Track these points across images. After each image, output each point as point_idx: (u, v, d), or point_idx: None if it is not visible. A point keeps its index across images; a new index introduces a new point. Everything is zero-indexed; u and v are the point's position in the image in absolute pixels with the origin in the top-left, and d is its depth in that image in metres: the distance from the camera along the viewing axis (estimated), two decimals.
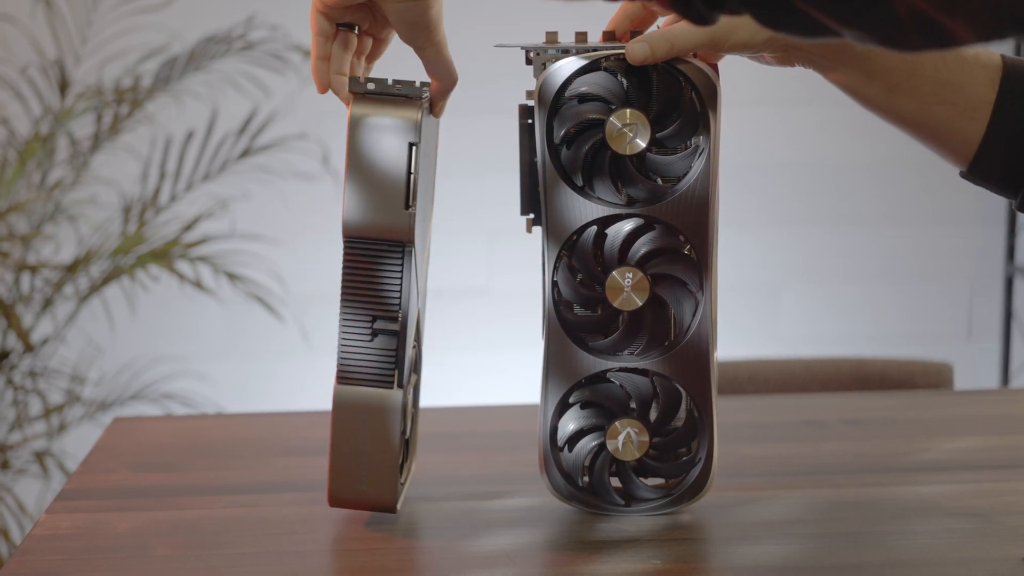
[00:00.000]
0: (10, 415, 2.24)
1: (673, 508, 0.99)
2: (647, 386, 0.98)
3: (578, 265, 0.99)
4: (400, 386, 0.95)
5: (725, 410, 1.37)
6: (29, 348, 2.10)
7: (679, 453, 1.00)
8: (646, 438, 0.97)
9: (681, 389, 0.97)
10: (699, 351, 0.97)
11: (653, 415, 0.98)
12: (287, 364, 2.72)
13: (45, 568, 0.91)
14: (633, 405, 0.98)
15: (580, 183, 0.97)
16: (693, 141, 0.95)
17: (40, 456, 2.18)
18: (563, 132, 0.95)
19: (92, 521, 1.00)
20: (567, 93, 0.95)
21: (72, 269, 2.18)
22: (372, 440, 0.95)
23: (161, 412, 2.44)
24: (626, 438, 0.97)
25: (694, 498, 0.99)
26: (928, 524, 0.98)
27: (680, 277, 0.96)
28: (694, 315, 0.96)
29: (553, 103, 0.95)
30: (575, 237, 0.98)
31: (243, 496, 1.07)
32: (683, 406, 0.98)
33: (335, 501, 0.97)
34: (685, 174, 0.95)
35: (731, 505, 1.02)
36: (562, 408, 1.00)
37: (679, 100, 0.94)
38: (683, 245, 0.96)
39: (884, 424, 1.31)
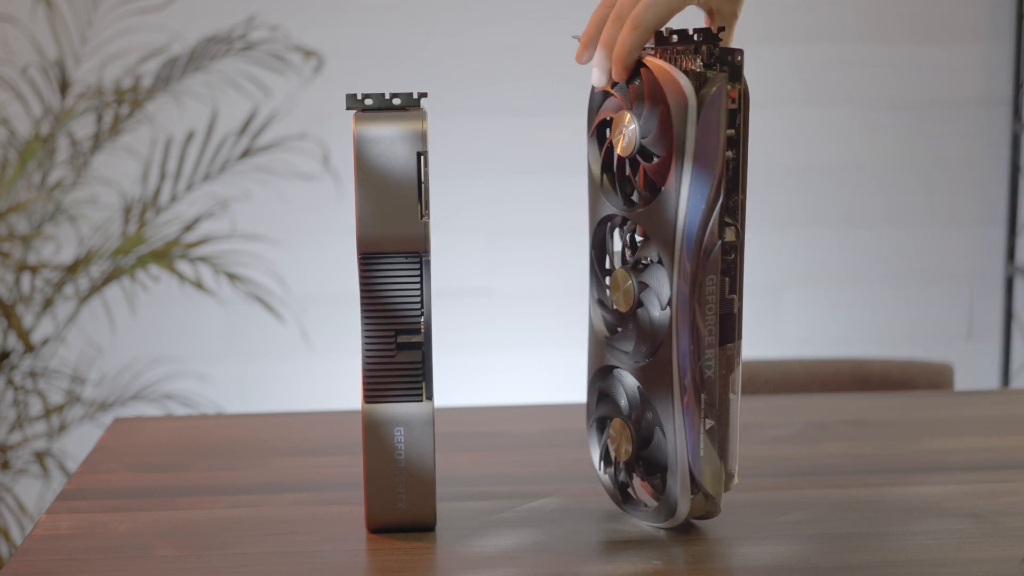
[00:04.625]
0: (10, 415, 2.24)
1: (654, 523, 0.97)
2: (634, 391, 0.97)
3: (595, 259, 0.99)
4: (429, 398, 0.95)
5: None
6: (29, 348, 2.10)
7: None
8: (629, 444, 0.96)
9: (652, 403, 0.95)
10: (664, 369, 0.93)
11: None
12: (287, 364, 2.72)
13: (45, 568, 0.91)
14: (627, 407, 0.97)
15: (600, 180, 0.97)
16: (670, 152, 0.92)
17: (40, 456, 2.18)
18: (591, 128, 0.96)
19: (92, 521, 1.00)
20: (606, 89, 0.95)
21: (72, 269, 2.18)
22: (407, 456, 0.95)
23: (161, 412, 2.44)
24: (616, 438, 0.97)
25: (667, 520, 0.96)
26: (928, 524, 0.98)
27: (653, 288, 0.94)
28: (668, 329, 0.93)
29: (590, 99, 0.96)
30: (594, 231, 0.98)
31: (243, 496, 1.07)
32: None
33: (374, 524, 0.96)
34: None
35: (730, 505, 1.02)
36: (593, 395, 1.00)
37: (654, 111, 0.92)
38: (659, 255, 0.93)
39: (884, 425, 1.31)
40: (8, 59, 2.52)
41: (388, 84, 2.63)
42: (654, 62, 0.91)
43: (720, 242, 0.92)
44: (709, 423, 0.93)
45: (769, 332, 2.84)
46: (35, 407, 2.40)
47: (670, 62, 0.92)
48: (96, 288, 2.20)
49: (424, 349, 0.94)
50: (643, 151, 0.93)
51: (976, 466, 1.15)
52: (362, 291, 0.94)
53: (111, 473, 1.14)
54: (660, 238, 0.92)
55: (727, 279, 0.95)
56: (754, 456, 1.17)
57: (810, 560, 0.91)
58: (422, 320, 0.94)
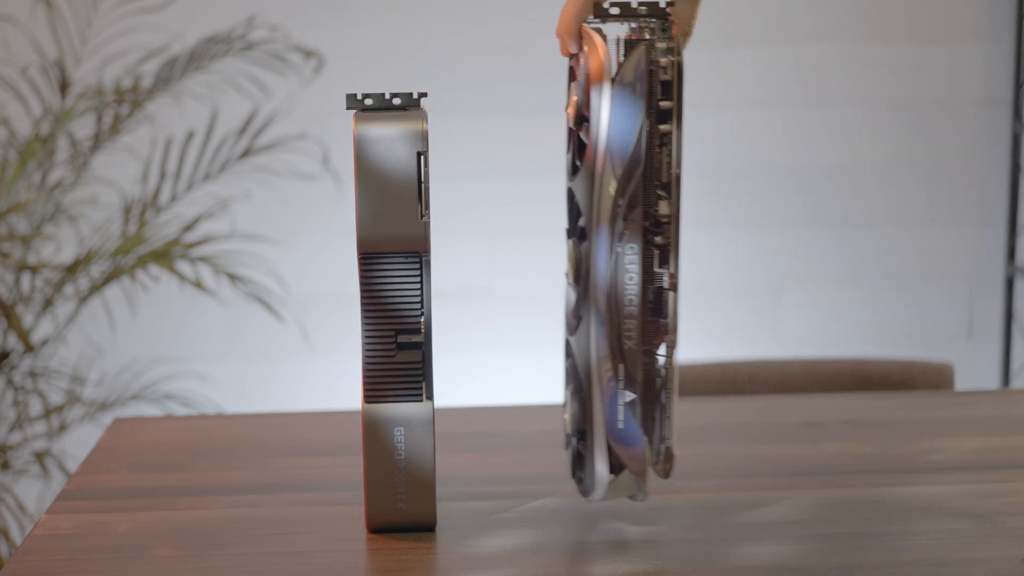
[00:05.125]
0: (10, 415, 2.24)
1: (588, 498, 0.98)
2: (574, 362, 0.98)
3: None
4: (429, 398, 0.95)
5: (726, 410, 1.37)
6: (29, 348, 2.10)
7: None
8: (568, 414, 0.98)
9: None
10: (585, 337, 0.94)
11: None
12: (287, 364, 2.72)
13: (45, 568, 0.91)
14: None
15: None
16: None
17: (40, 456, 2.18)
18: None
19: (92, 521, 1.00)
20: None
21: (72, 269, 2.18)
22: (407, 456, 0.95)
23: (161, 412, 2.44)
24: (567, 408, 0.98)
25: (592, 494, 0.97)
26: (928, 524, 0.98)
27: (583, 257, 0.94)
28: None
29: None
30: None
31: (243, 496, 1.07)
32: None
33: (375, 524, 0.96)
34: None
35: (731, 505, 1.02)
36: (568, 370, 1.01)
37: (584, 79, 0.93)
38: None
39: (884, 425, 1.31)
40: (8, 59, 2.52)
41: (388, 84, 2.63)
42: (587, 31, 0.93)
43: (642, 211, 0.92)
44: (629, 395, 0.93)
45: (769, 332, 2.84)
46: (35, 407, 2.40)
47: (633, 34, 0.92)
48: (96, 288, 2.20)
49: (424, 349, 0.95)
50: (583, 120, 0.94)
51: (976, 466, 1.14)
52: (362, 291, 0.94)
53: (111, 473, 1.14)
54: (584, 205, 0.93)
55: (657, 251, 0.94)
56: (754, 456, 1.17)
57: (810, 560, 0.91)
58: (422, 320, 0.94)
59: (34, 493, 2.49)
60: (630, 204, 0.91)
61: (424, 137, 0.93)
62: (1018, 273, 2.86)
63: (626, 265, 0.92)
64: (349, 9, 2.66)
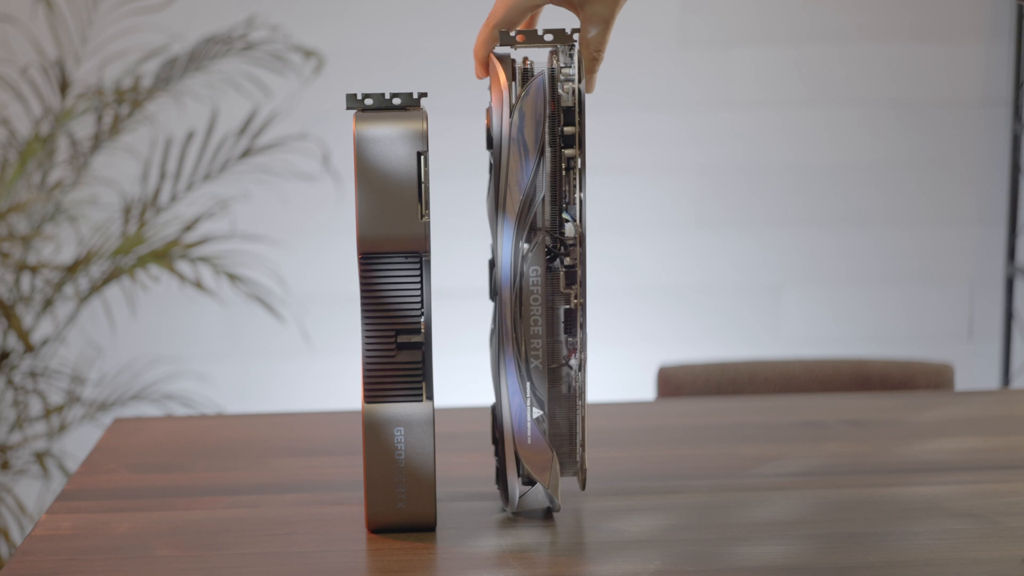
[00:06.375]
0: (10, 415, 2.24)
1: (507, 509, 1.00)
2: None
3: None
4: (429, 398, 0.95)
5: (726, 410, 1.37)
6: (29, 348, 2.10)
7: None
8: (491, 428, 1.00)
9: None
10: (495, 362, 0.97)
11: None
12: (287, 364, 2.72)
13: (45, 568, 0.91)
14: None
15: None
16: None
17: (40, 456, 2.18)
18: None
19: (92, 521, 1.00)
20: None
21: (72, 269, 2.18)
22: (407, 456, 0.95)
23: (161, 412, 2.44)
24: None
25: (507, 504, 0.99)
26: (928, 525, 0.98)
27: (494, 275, 0.98)
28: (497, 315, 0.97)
29: None
30: None
31: (243, 496, 1.07)
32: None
33: (375, 524, 0.97)
34: None
35: (731, 505, 1.02)
36: None
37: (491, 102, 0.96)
38: None
39: (884, 425, 1.31)
40: (8, 59, 2.52)
41: (388, 84, 2.62)
42: (493, 62, 0.95)
43: (545, 233, 0.93)
44: (537, 412, 0.95)
45: (769, 332, 2.84)
46: (35, 407, 2.40)
47: (554, 62, 0.94)
48: (96, 288, 2.20)
49: (424, 349, 0.95)
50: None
51: (976, 466, 1.14)
52: (362, 291, 0.94)
53: (111, 473, 1.14)
54: (491, 223, 0.97)
55: (564, 272, 0.94)
56: (755, 456, 1.18)
57: (810, 560, 0.91)
58: (422, 320, 0.94)
59: (34, 493, 2.49)
60: (532, 226, 0.94)
61: (424, 137, 0.93)
62: (1018, 273, 2.86)
63: (530, 287, 0.94)
64: (349, 9, 2.66)
